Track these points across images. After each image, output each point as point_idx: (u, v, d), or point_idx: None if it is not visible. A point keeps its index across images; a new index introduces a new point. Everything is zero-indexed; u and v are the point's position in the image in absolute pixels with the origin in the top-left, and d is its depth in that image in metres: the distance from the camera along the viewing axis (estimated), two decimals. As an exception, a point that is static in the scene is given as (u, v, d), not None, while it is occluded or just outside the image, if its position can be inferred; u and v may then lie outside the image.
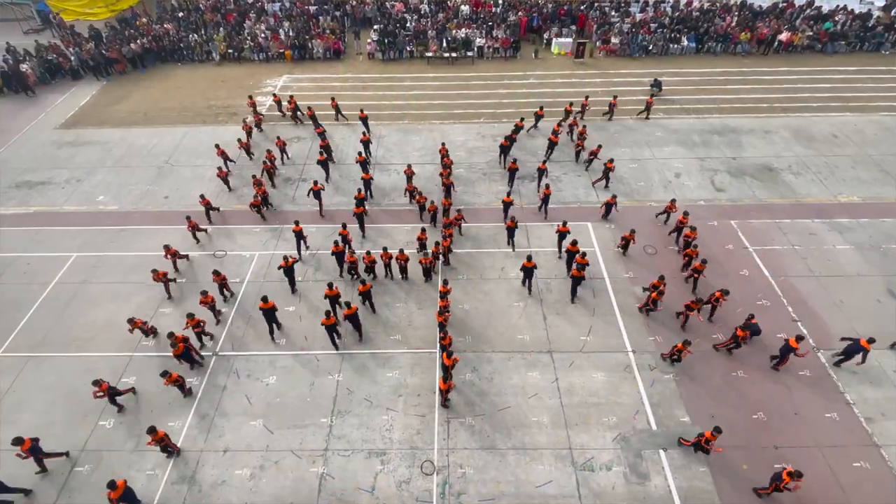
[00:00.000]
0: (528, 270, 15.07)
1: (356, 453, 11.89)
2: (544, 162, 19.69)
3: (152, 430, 11.09)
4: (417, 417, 12.53)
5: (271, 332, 14.28)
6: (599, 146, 19.63)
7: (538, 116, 22.26)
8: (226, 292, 15.22)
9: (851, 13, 30.05)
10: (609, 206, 17.53)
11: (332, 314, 13.28)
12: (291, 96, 23.33)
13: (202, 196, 17.55)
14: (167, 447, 11.49)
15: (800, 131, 22.45)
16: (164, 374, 12.17)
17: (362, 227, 17.41)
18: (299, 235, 16.09)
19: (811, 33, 29.06)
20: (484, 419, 12.47)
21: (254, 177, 18.65)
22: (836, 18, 29.86)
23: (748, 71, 27.21)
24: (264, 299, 13.78)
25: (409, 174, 18.58)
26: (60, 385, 13.33)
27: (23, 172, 20.92)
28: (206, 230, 17.36)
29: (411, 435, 12.19)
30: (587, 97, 22.68)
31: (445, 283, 14.69)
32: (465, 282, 15.92)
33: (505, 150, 20.48)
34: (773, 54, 29.02)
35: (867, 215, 17.99)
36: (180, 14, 32.35)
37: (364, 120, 21.74)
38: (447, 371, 12.26)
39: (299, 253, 16.56)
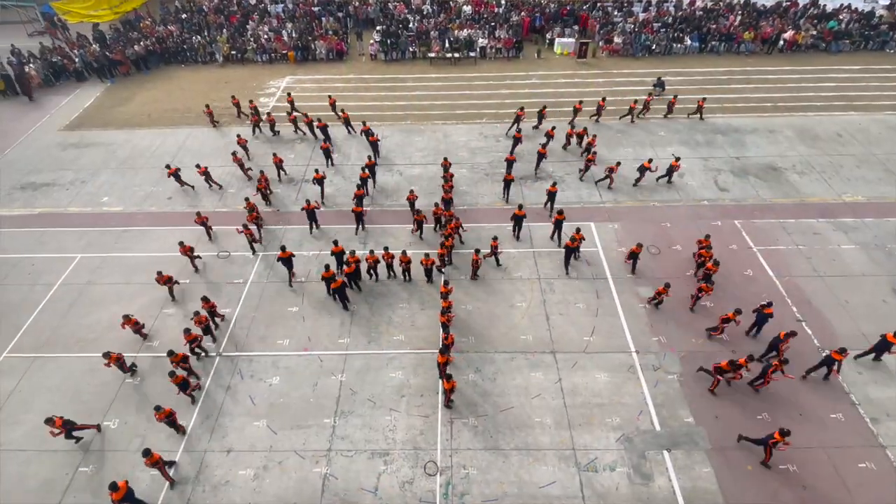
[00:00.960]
0: (519, 219, 16.49)
1: (359, 454, 11.90)
2: (552, 128, 20.69)
3: (147, 454, 10.72)
4: (420, 418, 12.53)
5: (290, 281, 15.72)
6: (650, 160, 18.90)
7: (541, 116, 22.37)
8: (216, 320, 14.56)
9: (855, 12, 29.91)
10: (634, 255, 15.35)
11: (330, 268, 14.59)
12: (251, 100, 23.04)
13: (181, 243, 15.75)
14: (162, 471, 11.12)
15: (804, 131, 22.34)
16: (157, 408, 11.61)
17: (368, 187, 18.89)
18: (320, 182, 18.32)
19: (815, 32, 28.94)
20: (487, 420, 12.46)
21: (247, 200, 17.29)
22: (840, 17, 29.72)
23: (752, 70, 27.09)
24: (282, 248, 14.98)
25: (412, 199, 17.32)
26: (65, 385, 13.39)
27: (27, 174, 21.05)
28: (178, 282, 15.44)
29: (414, 435, 12.19)
30: (603, 98, 22.98)
31: (447, 283, 14.68)
32: (468, 282, 15.90)
33: (518, 119, 21.62)
34: (776, 53, 28.90)
35: (872, 215, 17.89)
36: (184, 16, 32.46)
37: (333, 106, 23.25)
38: (441, 368, 12.28)
39: (322, 198, 18.50)
